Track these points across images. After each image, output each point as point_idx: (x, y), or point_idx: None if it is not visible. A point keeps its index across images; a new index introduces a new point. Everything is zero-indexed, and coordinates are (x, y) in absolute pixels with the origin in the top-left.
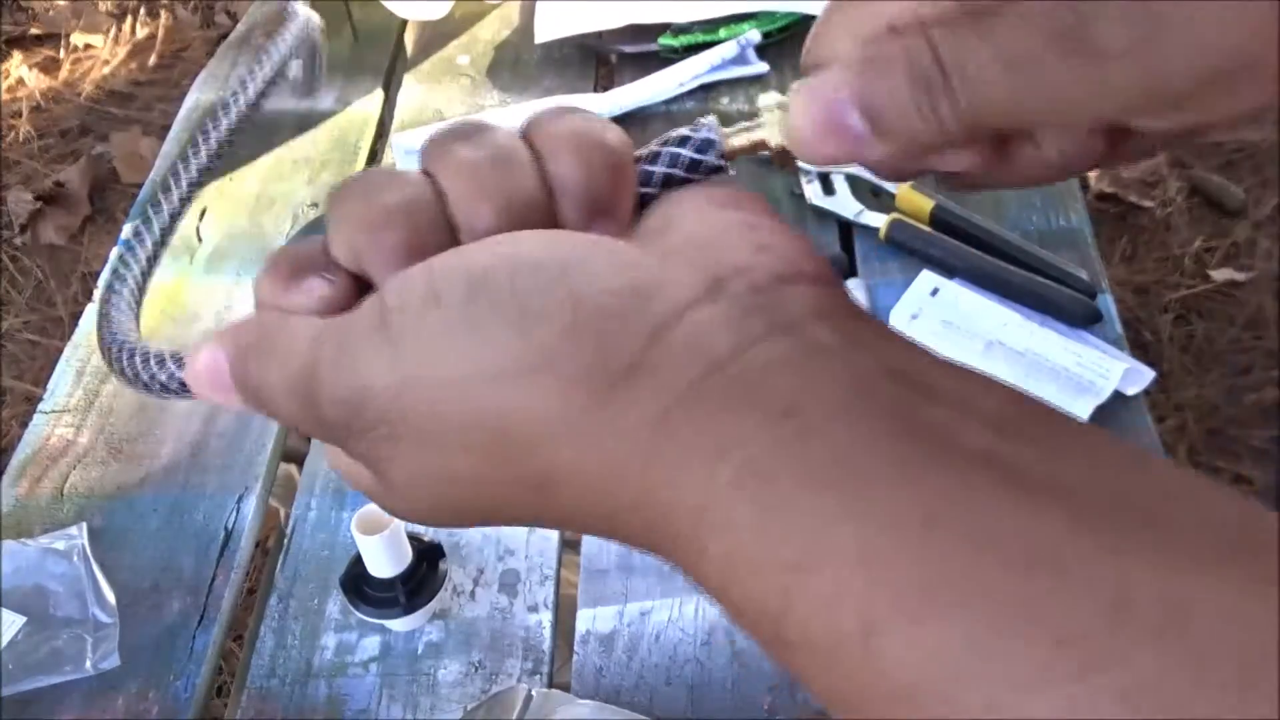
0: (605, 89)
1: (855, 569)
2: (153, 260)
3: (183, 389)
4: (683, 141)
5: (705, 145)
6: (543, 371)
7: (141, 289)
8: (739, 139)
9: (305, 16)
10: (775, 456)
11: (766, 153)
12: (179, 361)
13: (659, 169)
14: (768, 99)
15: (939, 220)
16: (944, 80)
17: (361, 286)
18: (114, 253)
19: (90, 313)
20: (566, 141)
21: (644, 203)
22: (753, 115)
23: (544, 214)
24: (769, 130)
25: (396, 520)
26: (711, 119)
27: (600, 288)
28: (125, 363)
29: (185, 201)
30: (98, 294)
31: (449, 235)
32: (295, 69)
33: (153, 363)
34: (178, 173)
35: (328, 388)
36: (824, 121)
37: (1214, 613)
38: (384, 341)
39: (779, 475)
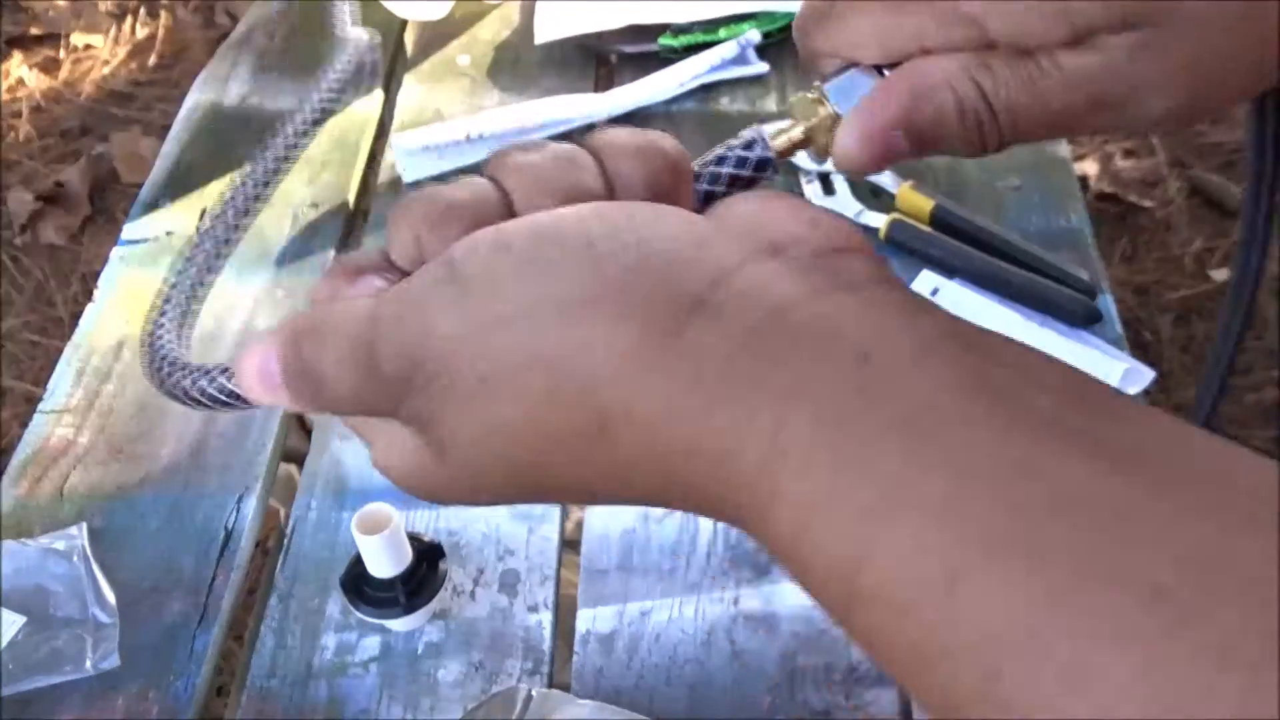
0: (605, 89)
1: (939, 517)
2: (200, 283)
3: (225, 399)
4: (741, 163)
5: (763, 164)
6: (608, 306)
7: (187, 311)
8: (780, 141)
9: (359, 39)
10: (852, 402)
11: (804, 151)
12: (224, 371)
13: (719, 189)
14: (798, 96)
15: (939, 220)
16: (991, 115)
17: None
18: (163, 279)
19: (91, 312)
20: (626, 146)
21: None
22: (777, 115)
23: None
24: (809, 129)
25: (397, 520)
26: (763, 134)
27: (665, 232)
28: (166, 374)
29: (237, 227)
30: (145, 323)
31: None
32: (358, 76)
33: (201, 376)
34: (235, 196)
35: (387, 341)
36: (874, 143)
37: None
38: (451, 288)
39: (857, 421)
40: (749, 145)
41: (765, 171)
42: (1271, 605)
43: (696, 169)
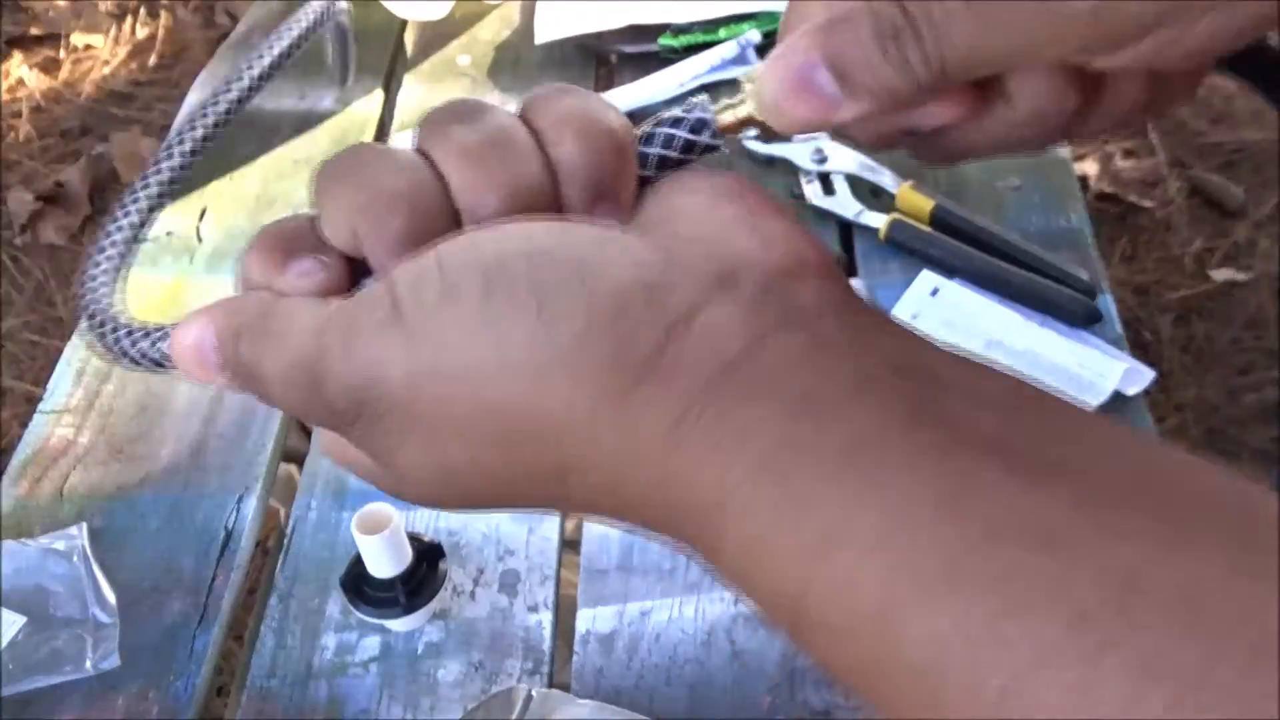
0: (605, 89)
1: (873, 552)
2: (139, 228)
3: (165, 363)
4: (676, 122)
5: (699, 125)
6: (561, 368)
7: (125, 258)
8: (727, 115)
9: (321, 6)
10: (791, 447)
11: (755, 130)
12: (163, 336)
13: (654, 150)
14: (746, 72)
15: (939, 220)
16: (912, 29)
17: (353, 265)
18: (105, 224)
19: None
20: (568, 124)
21: (641, 183)
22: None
23: (548, 198)
24: (753, 104)
25: (397, 520)
26: (704, 98)
27: (613, 285)
28: (107, 335)
29: (177, 177)
30: (82, 267)
31: (453, 221)
32: (329, 56)
33: (137, 335)
34: (183, 139)
35: (336, 377)
36: (793, 83)
37: (1222, 591)
38: (398, 333)
39: (795, 465)
40: (689, 109)
41: (704, 136)
42: (1191, 623)
43: (639, 142)
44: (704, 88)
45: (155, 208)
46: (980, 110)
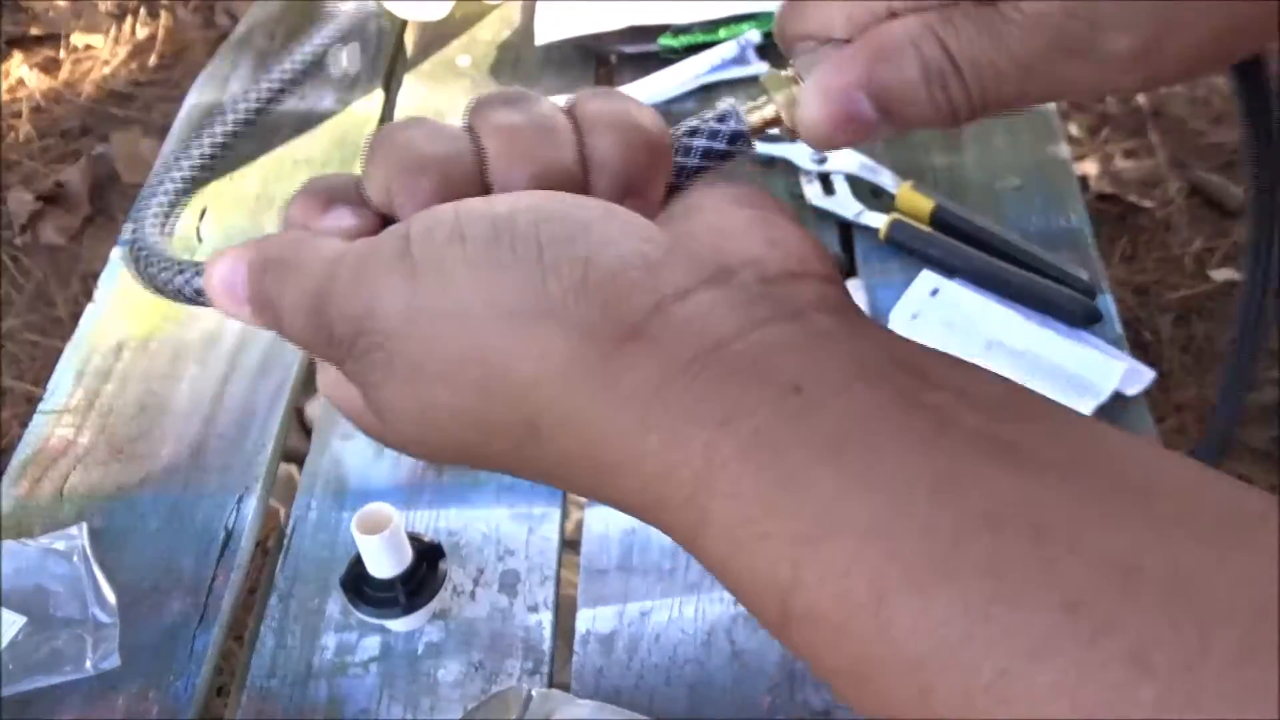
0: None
1: (866, 540)
2: (189, 183)
3: (198, 296)
4: (714, 135)
5: (736, 137)
6: (550, 319)
7: (175, 206)
8: (753, 117)
9: (359, 8)
10: (783, 428)
11: (776, 129)
12: (199, 271)
13: (691, 162)
14: (769, 73)
15: (939, 220)
16: (956, 73)
17: (388, 224)
18: (155, 171)
19: (91, 312)
20: (607, 119)
21: (670, 189)
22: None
23: (577, 187)
24: (776, 108)
25: (397, 520)
26: (733, 104)
27: (614, 252)
28: (152, 268)
29: (224, 145)
30: (133, 208)
31: (482, 190)
32: (345, 60)
33: (174, 269)
34: (224, 112)
35: (339, 303)
36: (838, 111)
37: (1217, 579)
38: (402, 267)
39: (787, 447)
40: (722, 119)
41: (738, 146)
42: (1183, 612)
43: (671, 140)
44: (704, 88)
45: (215, 158)
46: None
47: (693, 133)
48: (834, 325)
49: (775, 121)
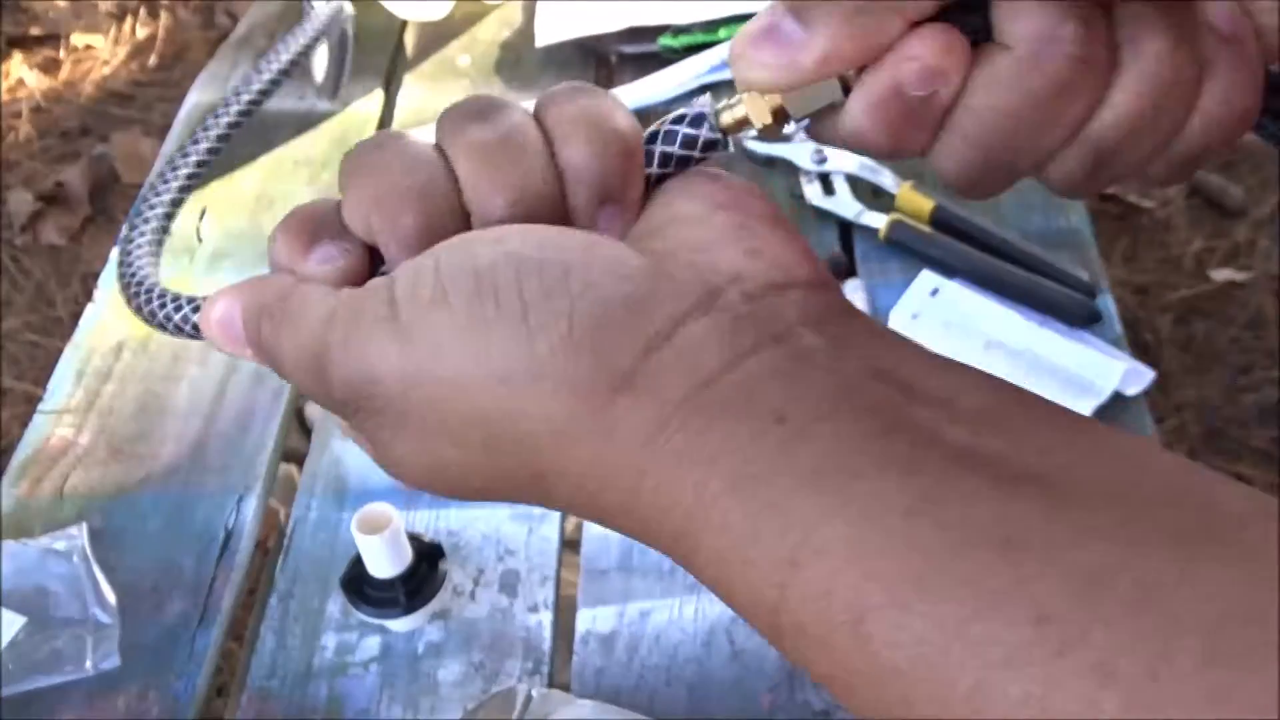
0: (605, 89)
1: (845, 562)
2: (175, 205)
3: (195, 332)
4: (679, 119)
5: (699, 120)
6: (540, 379)
7: (164, 232)
8: (726, 116)
9: (332, 8)
10: (766, 462)
11: (753, 130)
12: (195, 307)
13: (659, 148)
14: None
15: (939, 220)
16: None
17: (374, 251)
18: (140, 197)
19: (91, 312)
20: (578, 125)
21: (647, 181)
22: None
23: (554, 202)
24: (750, 105)
25: (397, 520)
26: (706, 97)
27: (597, 296)
28: (143, 300)
29: (206, 161)
30: (121, 236)
31: (462, 219)
32: (322, 62)
33: (169, 304)
34: (208, 128)
35: (337, 368)
36: (758, 32)
37: (1183, 588)
38: (393, 332)
39: (770, 479)
40: (695, 122)
41: (713, 151)
42: (1148, 623)
43: (646, 140)
44: (704, 88)
45: (192, 181)
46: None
47: (667, 137)
48: (819, 344)
49: (746, 122)
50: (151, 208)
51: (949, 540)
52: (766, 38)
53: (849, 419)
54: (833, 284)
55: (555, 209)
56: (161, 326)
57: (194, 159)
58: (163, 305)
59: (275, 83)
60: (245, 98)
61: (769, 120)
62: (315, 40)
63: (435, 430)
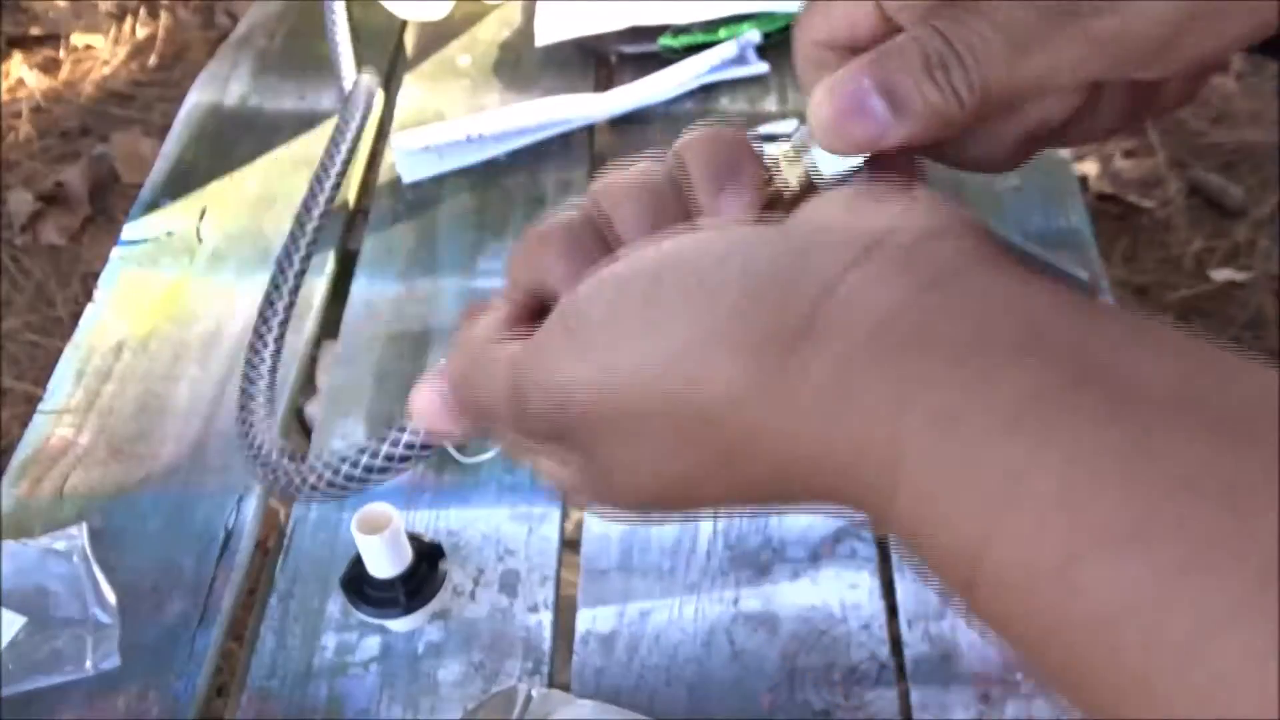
0: (605, 89)
1: (1054, 510)
2: (277, 357)
3: (383, 471)
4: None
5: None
6: (720, 346)
7: (273, 388)
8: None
9: (368, 87)
10: (962, 400)
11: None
12: (372, 450)
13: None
14: (780, 151)
15: None
16: (956, 57)
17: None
18: (245, 361)
19: (91, 312)
20: (687, 135)
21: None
22: (756, 117)
23: (678, 203)
24: (787, 172)
25: (397, 520)
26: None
27: (765, 256)
28: (336, 475)
29: (294, 290)
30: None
31: (605, 243)
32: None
33: (344, 465)
34: (289, 254)
35: (533, 402)
36: (847, 107)
37: None
38: (572, 349)
39: (968, 418)
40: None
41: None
42: None
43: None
44: (704, 88)
45: (284, 329)
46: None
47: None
48: (992, 284)
49: (779, 194)
50: (255, 368)
51: (1167, 489)
52: (854, 114)
53: (1044, 358)
54: (988, 232)
55: (680, 208)
56: (340, 491)
57: (281, 305)
58: (336, 473)
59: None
60: (309, 226)
61: (796, 189)
62: (361, 124)
63: (633, 430)
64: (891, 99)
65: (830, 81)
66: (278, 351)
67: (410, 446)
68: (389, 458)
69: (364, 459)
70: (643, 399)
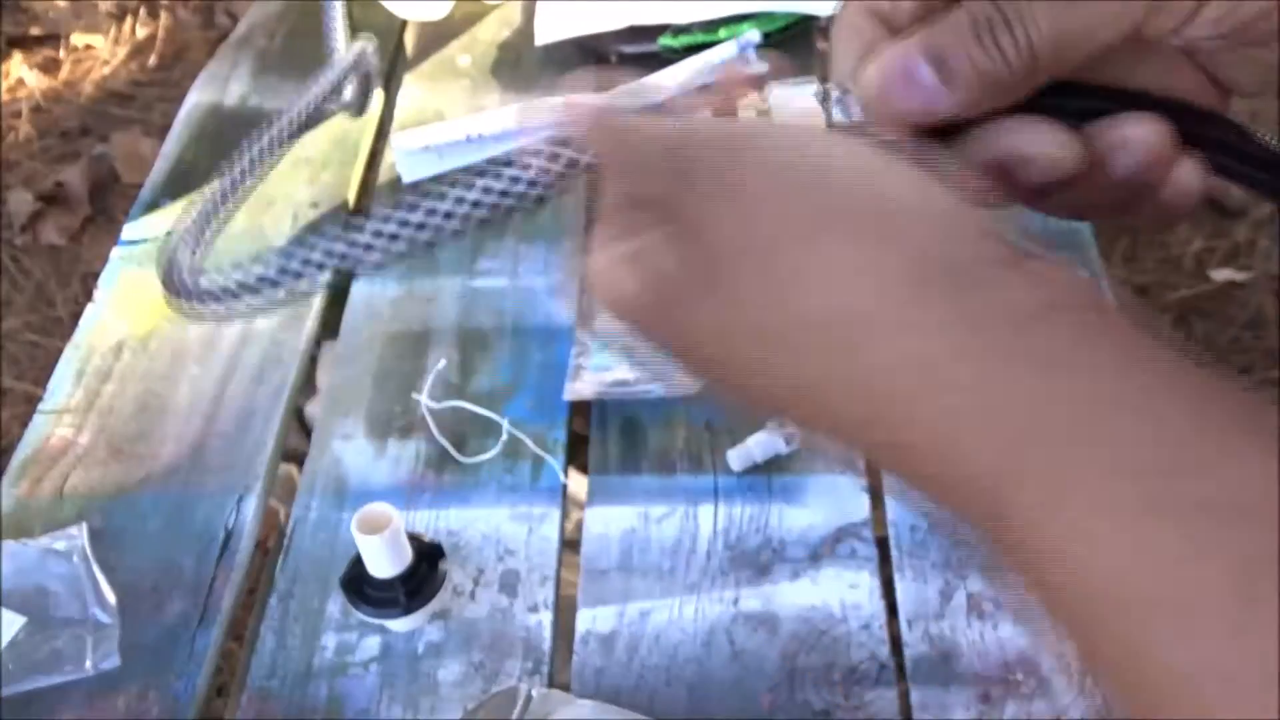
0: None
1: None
2: (207, 219)
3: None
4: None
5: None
6: (863, 274)
7: (202, 232)
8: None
9: (360, 47)
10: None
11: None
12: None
13: None
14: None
15: None
16: (1003, 19)
17: None
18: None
19: (91, 312)
20: None
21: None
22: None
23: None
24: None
25: (397, 520)
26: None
27: (910, 198)
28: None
29: (228, 197)
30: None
31: None
32: (350, 91)
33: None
34: (234, 178)
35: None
36: (897, 74)
37: None
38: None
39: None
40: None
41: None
42: None
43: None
44: (704, 88)
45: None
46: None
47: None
48: (1111, 325)
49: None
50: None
51: None
52: (904, 83)
53: (1216, 422)
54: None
55: None
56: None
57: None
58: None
59: (309, 120)
60: (276, 130)
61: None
62: (341, 80)
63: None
64: (940, 67)
65: (881, 54)
66: (227, 193)
67: (305, 263)
68: (283, 270)
69: (258, 269)
70: (783, 307)
